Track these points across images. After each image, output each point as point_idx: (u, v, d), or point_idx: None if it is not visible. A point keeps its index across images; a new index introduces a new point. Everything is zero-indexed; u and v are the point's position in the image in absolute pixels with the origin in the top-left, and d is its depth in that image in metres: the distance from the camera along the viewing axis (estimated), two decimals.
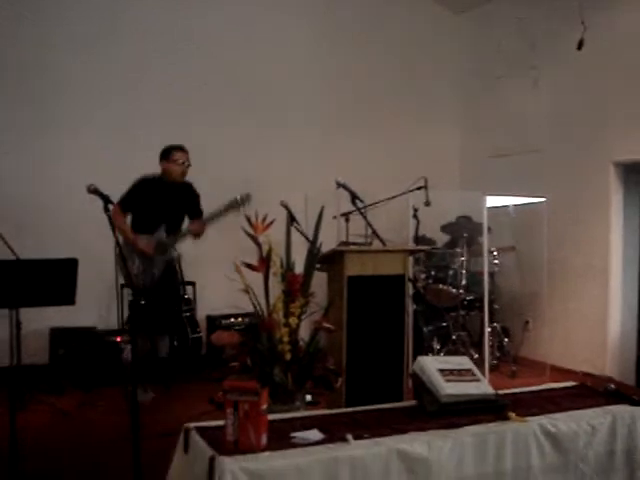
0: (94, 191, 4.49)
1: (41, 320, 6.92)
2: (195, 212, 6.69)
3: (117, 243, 4.54)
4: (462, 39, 9.70)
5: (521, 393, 4.50)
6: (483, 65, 9.39)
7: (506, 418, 3.79)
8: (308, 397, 4.87)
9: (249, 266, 4.53)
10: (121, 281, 6.62)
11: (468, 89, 9.68)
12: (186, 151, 6.58)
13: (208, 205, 6.70)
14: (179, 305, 7.15)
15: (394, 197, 7.16)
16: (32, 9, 7.52)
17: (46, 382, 6.86)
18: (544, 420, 3.83)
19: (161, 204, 6.46)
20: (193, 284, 8.09)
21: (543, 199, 7.70)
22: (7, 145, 7.43)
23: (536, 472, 3.72)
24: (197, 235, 6.55)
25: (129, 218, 6.53)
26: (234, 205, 6.07)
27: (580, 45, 7.20)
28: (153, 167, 6.79)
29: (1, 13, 7.39)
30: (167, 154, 6.53)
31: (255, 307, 4.54)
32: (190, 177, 6.93)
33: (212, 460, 3.11)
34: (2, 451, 4.31)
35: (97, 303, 7.53)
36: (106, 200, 4.40)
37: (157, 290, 6.38)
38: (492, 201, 7.57)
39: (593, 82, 7.66)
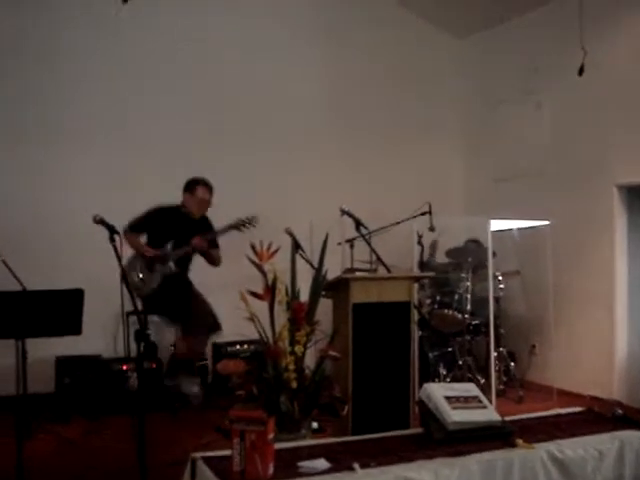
0: (100, 221, 4.51)
1: (47, 349, 6.89)
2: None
3: (121, 268, 4.53)
4: (465, 64, 9.74)
5: (528, 419, 4.50)
6: (485, 89, 9.43)
7: (513, 445, 3.79)
8: (314, 424, 4.87)
9: (254, 294, 4.54)
10: (127, 308, 6.65)
11: (470, 113, 9.70)
12: (210, 187, 6.62)
13: None
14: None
15: (398, 223, 7.18)
16: (36, 23, 7.60)
17: (52, 411, 6.85)
18: (551, 446, 3.83)
19: (174, 233, 6.52)
20: None
21: (547, 222, 7.71)
22: (11, 176, 7.48)
23: None
24: (204, 254, 6.57)
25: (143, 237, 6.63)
26: (239, 224, 6.08)
27: (581, 71, 7.22)
28: (158, 193, 6.86)
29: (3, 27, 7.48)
30: (191, 187, 6.57)
31: (261, 335, 4.55)
32: None
33: None
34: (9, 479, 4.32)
35: (103, 331, 7.52)
36: (111, 230, 4.43)
37: (160, 297, 6.48)
38: (496, 225, 7.58)
39: (595, 106, 7.69)
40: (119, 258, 4.34)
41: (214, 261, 6.67)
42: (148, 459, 4.12)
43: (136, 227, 6.47)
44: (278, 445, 3.56)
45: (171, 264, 6.43)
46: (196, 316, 6.41)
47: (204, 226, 6.74)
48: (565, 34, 7.83)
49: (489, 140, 9.39)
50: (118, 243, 4.40)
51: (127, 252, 5.48)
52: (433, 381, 6.58)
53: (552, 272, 7.72)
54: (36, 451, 5.61)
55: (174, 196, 7.31)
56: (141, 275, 6.44)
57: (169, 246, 6.47)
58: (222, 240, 7.36)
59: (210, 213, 7.11)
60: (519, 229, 8.40)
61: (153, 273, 6.43)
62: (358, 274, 6.22)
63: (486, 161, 9.40)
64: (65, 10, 7.69)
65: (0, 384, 6.62)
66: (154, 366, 7.05)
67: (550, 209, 7.88)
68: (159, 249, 6.44)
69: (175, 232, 6.51)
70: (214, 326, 6.71)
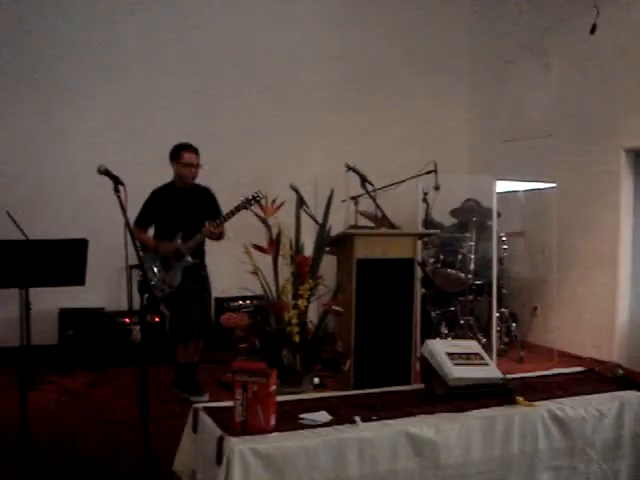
0: (105, 172, 4.47)
1: (50, 301, 6.94)
2: (214, 217, 6.25)
3: (126, 219, 4.49)
4: (473, 23, 9.65)
5: (529, 378, 4.50)
6: (493, 49, 9.34)
7: (514, 402, 3.80)
8: (316, 380, 4.89)
9: (258, 248, 4.54)
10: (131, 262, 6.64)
11: (478, 73, 9.63)
12: (195, 150, 6.30)
13: (221, 191, 6.69)
14: (209, 309, 6.79)
15: (404, 181, 7.16)
16: None
17: (55, 362, 6.90)
18: (552, 405, 3.83)
19: (177, 212, 6.23)
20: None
21: (553, 185, 7.68)
22: (15, 129, 7.46)
23: (543, 456, 3.74)
24: (211, 237, 6.28)
25: (152, 230, 6.40)
26: (246, 204, 5.96)
27: (593, 30, 7.17)
28: (159, 151, 6.81)
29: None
30: (175, 155, 6.28)
31: (264, 289, 4.55)
32: (202, 164, 7.00)
33: (221, 440, 3.13)
34: (13, 429, 4.34)
35: (106, 284, 7.56)
36: (116, 181, 4.39)
37: (184, 296, 6.19)
38: (502, 186, 7.56)
39: (605, 67, 7.61)
40: (124, 210, 4.32)
41: (220, 239, 6.50)
42: (151, 410, 4.14)
43: (141, 221, 6.20)
44: (280, 398, 3.57)
45: (188, 258, 6.24)
46: (196, 322, 6.28)
47: (207, 200, 6.48)
48: None
49: (496, 100, 9.33)
50: (122, 194, 4.37)
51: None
52: (434, 339, 6.57)
53: (556, 234, 7.72)
54: (39, 402, 5.67)
55: (154, 155, 7.32)
56: (158, 275, 6.27)
57: (179, 239, 6.24)
58: (227, 193, 7.38)
59: (220, 173, 7.10)
60: (525, 191, 8.38)
61: (170, 270, 6.22)
62: (362, 230, 6.20)
63: (493, 121, 9.35)
64: None
65: (4, 335, 6.68)
66: (157, 319, 7.07)
67: (556, 171, 7.85)
68: (170, 243, 6.17)
69: (179, 213, 6.23)
70: (207, 332, 6.56)
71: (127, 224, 4.37)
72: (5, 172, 7.35)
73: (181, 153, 6.22)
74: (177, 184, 6.29)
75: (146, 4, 8.00)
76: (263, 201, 4.80)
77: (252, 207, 5.75)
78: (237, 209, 5.99)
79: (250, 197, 5.86)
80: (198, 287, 6.31)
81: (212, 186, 7.41)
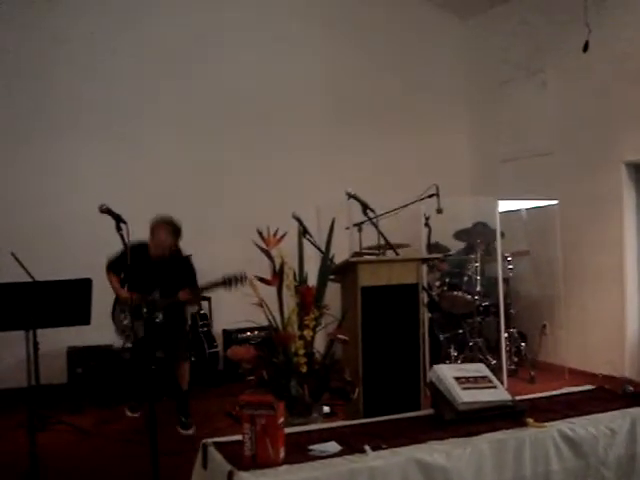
0: (106, 211, 4.49)
1: (58, 340, 6.92)
2: (188, 285, 6.29)
3: (129, 256, 4.51)
4: (468, 44, 9.71)
5: (539, 398, 4.49)
6: (489, 70, 9.39)
7: (524, 424, 3.78)
8: (326, 409, 4.87)
9: (262, 280, 4.54)
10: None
11: (475, 94, 9.67)
12: (169, 225, 6.21)
13: (221, 226, 6.74)
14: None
15: (406, 206, 7.16)
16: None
17: (65, 401, 6.89)
18: (562, 425, 3.82)
19: (151, 273, 6.15)
20: (209, 299, 8.12)
21: (555, 201, 7.69)
22: (14, 173, 7.53)
23: (556, 477, 3.71)
24: (189, 302, 6.39)
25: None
26: (226, 282, 5.89)
27: (585, 47, 7.20)
28: (162, 184, 6.86)
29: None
30: (151, 229, 6.22)
31: (270, 320, 4.55)
32: (202, 198, 7.06)
33: (230, 475, 3.12)
34: (23, 472, 4.33)
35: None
36: (118, 219, 4.41)
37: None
38: (504, 206, 7.57)
39: (601, 83, 7.65)
40: (127, 247, 4.34)
41: (196, 303, 6.53)
42: (161, 446, 4.14)
43: (114, 266, 6.24)
44: (289, 429, 3.56)
45: (159, 315, 6.22)
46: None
47: (183, 268, 6.42)
48: (569, 12, 7.77)
49: (494, 121, 9.36)
50: (125, 232, 4.39)
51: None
52: (444, 363, 6.57)
53: (561, 251, 7.72)
54: (51, 442, 5.66)
55: (175, 192, 7.47)
56: (126, 321, 6.30)
57: (157, 294, 6.21)
58: (229, 226, 7.43)
59: (219, 210, 7.20)
60: (527, 209, 8.38)
61: (139, 321, 6.15)
62: (366, 258, 6.20)
63: (492, 142, 9.38)
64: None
65: (14, 376, 6.67)
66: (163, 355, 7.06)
67: (558, 188, 7.86)
68: (144, 295, 6.11)
69: (153, 276, 6.17)
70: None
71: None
72: (8, 212, 7.40)
73: (152, 229, 6.21)
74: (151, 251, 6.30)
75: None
76: (263, 225, 4.75)
77: (232, 286, 5.79)
78: (216, 285, 5.98)
79: (232, 277, 5.81)
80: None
81: (213, 221, 7.48)
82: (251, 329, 7.77)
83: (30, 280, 5.63)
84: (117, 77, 7.95)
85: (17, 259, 6.15)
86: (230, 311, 7.85)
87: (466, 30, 9.76)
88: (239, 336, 7.93)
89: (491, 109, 9.42)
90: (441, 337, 7.87)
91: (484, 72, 9.50)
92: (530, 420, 3.79)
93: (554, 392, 4.71)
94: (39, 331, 5.82)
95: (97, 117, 7.86)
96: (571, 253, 7.83)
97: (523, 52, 8.70)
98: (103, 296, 5.83)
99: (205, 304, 8.08)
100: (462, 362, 7.45)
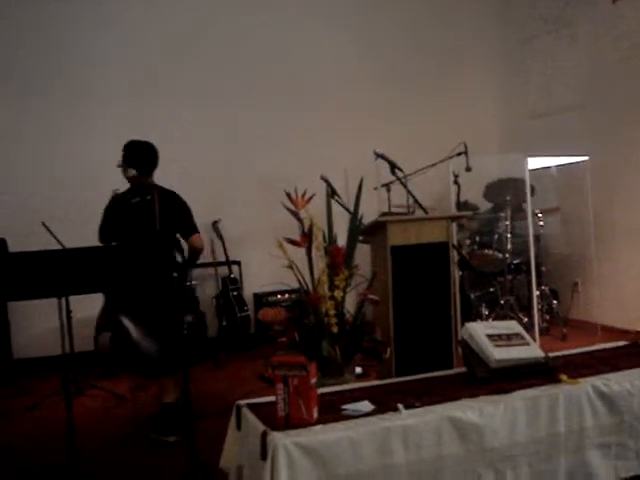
0: None
1: (91, 307, 6.98)
2: (185, 228, 5.33)
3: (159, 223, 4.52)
4: (496, 2, 9.55)
5: (572, 355, 4.45)
6: (517, 24, 9.23)
7: (557, 380, 3.76)
8: (358, 369, 4.89)
9: (292, 242, 4.54)
10: None
11: (503, 50, 9.52)
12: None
13: (252, 186, 6.70)
14: None
15: (434, 164, 7.11)
16: None
17: (99, 368, 6.96)
18: (596, 381, 3.78)
19: (136, 223, 5.22)
20: (238, 263, 8.16)
21: (586, 158, 7.58)
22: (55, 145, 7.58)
23: (590, 434, 3.69)
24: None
25: None
26: None
27: None
28: (193, 150, 6.83)
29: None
30: None
31: (300, 282, 4.55)
32: (231, 162, 7.04)
33: (264, 435, 3.13)
34: (60, 437, 4.39)
35: None
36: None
37: None
38: (534, 163, 7.48)
39: (632, 35, 7.48)
40: (156, 215, 4.36)
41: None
42: (194, 409, 4.17)
43: (102, 233, 5.35)
44: (322, 390, 3.57)
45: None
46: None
47: (173, 207, 5.31)
48: None
49: (523, 76, 9.21)
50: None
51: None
52: (475, 321, 6.54)
53: (593, 208, 7.62)
54: (87, 407, 5.74)
55: (205, 158, 7.51)
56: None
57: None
58: (258, 190, 7.41)
59: (249, 171, 7.24)
60: (557, 166, 8.28)
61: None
62: (395, 217, 6.17)
63: (521, 98, 9.24)
64: None
65: (48, 344, 6.75)
66: (196, 319, 7.12)
67: (589, 144, 7.74)
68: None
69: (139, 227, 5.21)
70: None
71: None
72: (36, 182, 7.47)
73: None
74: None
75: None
76: (291, 187, 4.61)
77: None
78: None
79: None
80: None
81: (242, 182, 7.44)
82: (281, 292, 7.81)
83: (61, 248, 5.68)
84: (152, 43, 7.94)
85: (47, 228, 6.19)
86: (260, 275, 7.90)
87: None
88: (269, 299, 7.96)
89: (520, 65, 9.26)
90: (472, 296, 7.85)
91: (513, 28, 9.34)
92: (563, 376, 3.77)
93: (587, 348, 4.68)
94: (72, 299, 5.88)
95: (128, 86, 7.85)
96: (602, 210, 7.72)
97: (552, 6, 8.53)
98: None
99: (235, 268, 8.11)
100: (493, 320, 7.42)
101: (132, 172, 5.16)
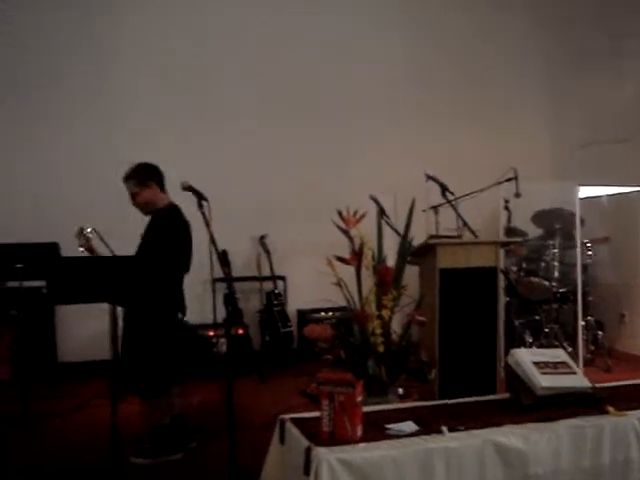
0: (188, 188, 4.55)
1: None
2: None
3: (210, 234, 4.56)
4: (546, 30, 9.53)
5: (619, 387, 4.41)
6: (568, 55, 9.22)
7: (604, 411, 3.72)
8: (400, 390, 4.88)
9: (341, 259, 4.55)
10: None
11: (554, 80, 9.50)
12: (125, 179, 5.23)
13: (304, 207, 6.75)
14: None
15: (484, 189, 7.09)
16: None
17: None
18: None
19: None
20: (283, 278, 8.20)
21: (638, 188, 7.52)
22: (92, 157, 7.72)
23: (636, 466, 3.65)
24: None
25: None
26: None
27: None
28: (243, 167, 6.91)
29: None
30: None
31: (347, 299, 4.56)
32: (279, 178, 7.12)
33: (309, 451, 3.15)
34: (105, 440, 4.45)
35: (190, 297, 7.64)
36: (200, 196, 4.48)
37: None
38: (585, 192, 7.44)
39: None
40: (208, 224, 4.40)
41: None
42: (237, 422, 4.20)
43: None
44: (366, 408, 3.58)
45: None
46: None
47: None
48: None
49: (573, 106, 9.19)
50: (206, 209, 4.45)
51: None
52: (519, 348, 6.48)
53: None
54: (129, 412, 5.80)
55: (255, 176, 7.57)
56: None
57: None
58: (305, 207, 7.48)
59: (303, 192, 7.51)
60: (608, 195, 8.22)
61: None
62: (444, 240, 6.17)
63: (571, 127, 9.22)
64: None
65: (95, 348, 6.85)
66: (241, 331, 7.15)
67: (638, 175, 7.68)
68: None
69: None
70: None
71: (212, 238, 4.44)
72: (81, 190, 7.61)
73: None
74: None
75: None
76: (342, 206, 4.71)
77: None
78: None
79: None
80: None
81: (289, 198, 7.51)
82: (325, 309, 7.84)
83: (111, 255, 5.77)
84: (206, 61, 8.09)
85: (99, 234, 6.28)
86: (304, 291, 7.93)
87: (544, 15, 9.57)
88: (313, 316, 7.99)
89: (570, 94, 9.24)
90: (516, 322, 7.80)
91: (562, 56, 9.32)
92: (610, 408, 3.74)
93: (634, 381, 4.63)
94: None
95: (177, 97, 7.98)
96: None
97: (602, 37, 8.52)
98: None
99: (280, 283, 8.16)
100: (537, 348, 7.35)
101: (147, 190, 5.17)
